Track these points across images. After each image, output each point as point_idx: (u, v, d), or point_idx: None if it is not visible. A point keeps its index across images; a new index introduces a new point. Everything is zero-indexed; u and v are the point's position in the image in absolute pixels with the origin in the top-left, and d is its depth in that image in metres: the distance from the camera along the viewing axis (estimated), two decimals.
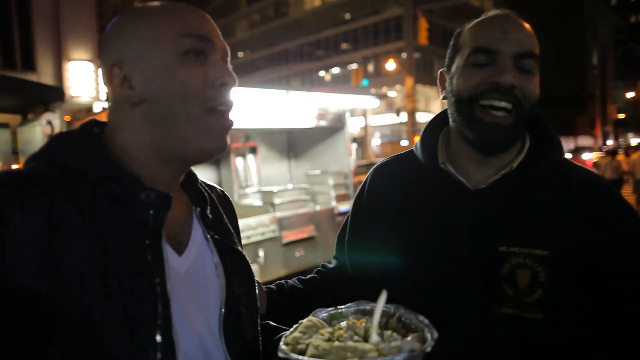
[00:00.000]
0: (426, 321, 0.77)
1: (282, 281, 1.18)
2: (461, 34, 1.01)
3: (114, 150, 0.76)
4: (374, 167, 1.23)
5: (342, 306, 0.88)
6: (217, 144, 0.77)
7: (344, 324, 0.82)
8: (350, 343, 0.72)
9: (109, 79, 0.76)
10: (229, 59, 0.81)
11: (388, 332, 0.76)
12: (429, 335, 0.73)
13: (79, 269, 0.64)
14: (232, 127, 0.80)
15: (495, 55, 0.94)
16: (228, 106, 0.78)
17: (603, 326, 0.96)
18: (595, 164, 15.48)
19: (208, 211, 0.86)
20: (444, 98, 1.07)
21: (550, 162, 1.00)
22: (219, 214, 0.91)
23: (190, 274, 0.79)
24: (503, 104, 0.93)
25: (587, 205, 0.96)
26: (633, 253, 0.94)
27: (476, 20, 1.01)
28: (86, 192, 0.69)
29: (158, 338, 0.68)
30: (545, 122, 1.04)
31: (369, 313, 0.83)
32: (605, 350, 0.98)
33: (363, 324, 0.79)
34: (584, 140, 45.10)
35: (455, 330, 0.93)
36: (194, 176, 0.89)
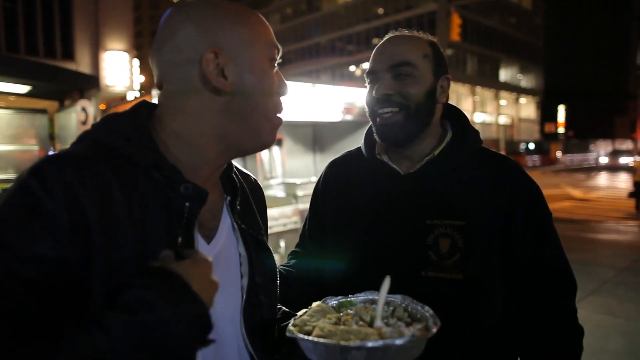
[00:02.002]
0: (431, 311, 0.81)
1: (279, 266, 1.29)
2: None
3: (162, 136, 0.79)
4: (328, 163, 1.41)
5: (352, 295, 0.93)
6: (272, 140, 0.86)
7: (351, 311, 0.85)
8: (354, 327, 0.75)
9: (200, 62, 0.77)
10: None
11: (393, 320, 0.79)
12: (432, 324, 0.76)
13: (123, 250, 0.67)
14: None
15: (375, 74, 1.17)
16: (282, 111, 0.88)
17: (512, 286, 1.15)
18: (631, 169, 14.85)
19: (238, 201, 0.89)
20: None
21: (467, 150, 1.19)
22: (248, 203, 0.93)
23: (216, 261, 0.81)
24: (385, 110, 1.14)
25: (498, 181, 1.15)
26: (532, 217, 1.14)
27: None
28: (132, 177, 0.72)
29: None
30: (465, 119, 1.25)
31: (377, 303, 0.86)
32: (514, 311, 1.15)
33: (370, 312, 0.82)
34: (623, 144, 43.32)
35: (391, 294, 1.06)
36: (231, 165, 0.93)
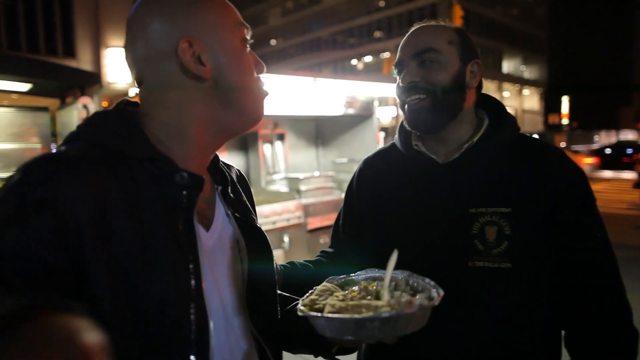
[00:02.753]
0: (432, 282, 0.84)
1: (294, 261, 1.30)
2: None
3: (151, 129, 0.79)
4: (362, 160, 1.39)
5: (353, 274, 0.96)
6: (262, 114, 0.88)
7: (356, 288, 0.88)
8: (363, 301, 0.77)
9: (176, 54, 0.77)
10: None
11: (398, 293, 0.82)
12: (435, 294, 0.79)
13: (123, 246, 0.67)
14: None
15: (401, 64, 1.18)
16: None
17: (563, 275, 1.11)
18: (636, 160, 14.79)
19: (229, 190, 0.91)
20: None
21: (506, 137, 1.17)
22: (239, 192, 0.95)
23: (217, 248, 0.84)
24: (413, 97, 1.15)
25: (541, 166, 1.13)
26: (578, 202, 1.11)
27: None
28: (126, 172, 0.72)
29: (192, 312, 0.72)
30: (501, 106, 1.24)
31: (379, 279, 0.90)
32: (566, 302, 1.13)
33: (374, 287, 0.86)
34: (628, 134, 43.06)
35: (441, 287, 1.05)
36: (217, 157, 0.93)
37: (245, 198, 0.97)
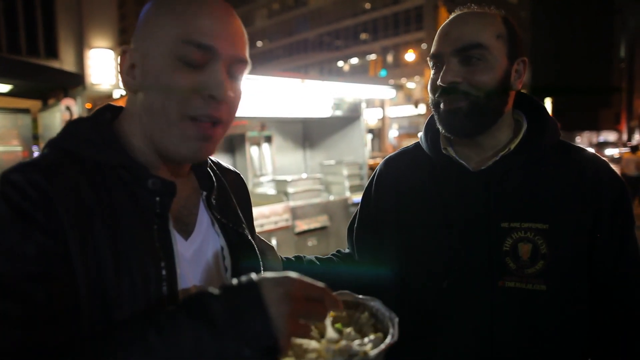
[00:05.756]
0: (395, 320, 0.72)
1: (301, 255, 1.23)
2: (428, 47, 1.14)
3: (124, 137, 0.79)
4: (382, 160, 1.29)
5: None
6: (192, 151, 0.76)
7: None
8: (297, 340, 0.68)
9: (120, 63, 0.78)
10: (242, 64, 0.78)
11: (348, 330, 0.73)
12: (389, 337, 0.68)
13: (97, 251, 0.68)
14: (217, 139, 0.78)
15: (439, 57, 1.03)
16: (212, 118, 0.75)
17: (600, 298, 1.01)
18: (616, 160, 15.11)
19: (213, 196, 0.88)
20: None
21: (546, 143, 1.05)
22: (227, 197, 0.92)
23: (197, 257, 0.82)
24: (451, 99, 1.01)
25: (584, 180, 1.01)
26: (620, 221, 1.01)
27: None
28: (99, 178, 0.73)
29: None
30: (543, 108, 1.10)
31: (350, 305, 0.80)
32: (602, 325, 1.02)
33: (331, 317, 0.76)
34: (608, 135, 43.95)
35: (464, 307, 1.00)
36: (205, 160, 0.90)
37: (235, 203, 0.94)
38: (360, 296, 0.78)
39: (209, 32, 0.72)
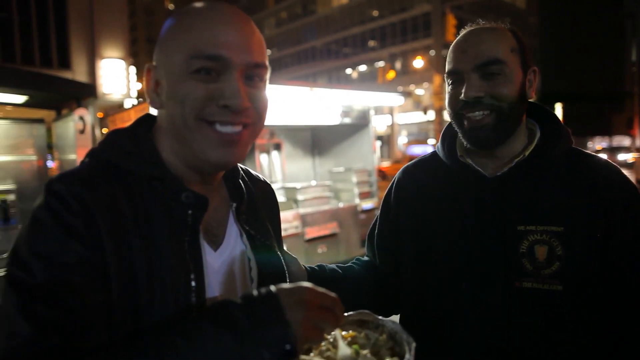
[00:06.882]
0: (413, 344, 0.72)
1: (323, 264, 1.25)
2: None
3: (159, 149, 0.81)
4: (401, 169, 1.34)
5: (346, 313, 0.84)
6: (219, 157, 0.76)
7: (335, 332, 0.78)
8: (315, 359, 0.71)
9: (145, 81, 0.80)
10: (260, 69, 0.77)
11: (365, 352, 0.74)
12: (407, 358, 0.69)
13: (131, 260, 0.70)
14: (245, 143, 0.78)
15: (460, 74, 1.07)
16: (233, 123, 0.76)
17: (614, 301, 1.03)
18: (631, 165, 14.92)
19: (243, 207, 0.90)
20: None
21: (559, 150, 1.09)
22: (256, 209, 0.94)
23: (225, 268, 0.84)
24: (476, 114, 1.05)
25: (597, 184, 1.05)
26: (633, 223, 1.03)
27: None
28: (136, 190, 0.75)
29: None
30: (554, 116, 1.15)
31: (369, 326, 0.80)
32: (616, 328, 1.04)
33: (349, 338, 0.77)
34: (621, 140, 43.41)
35: (481, 307, 1.04)
36: (236, 170, 0.93)
37: (264, 214, 0.96)
38: (380, 317, 0.79)
39: (217, 42, 0.73)
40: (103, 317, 0.66)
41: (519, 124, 1.10)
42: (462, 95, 1.05)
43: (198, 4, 0.77)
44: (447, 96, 1.13)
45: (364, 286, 1.20)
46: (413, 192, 1.24)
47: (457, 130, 1.13)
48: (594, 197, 1.04)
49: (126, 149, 0.78)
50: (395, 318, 0.96)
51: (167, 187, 0.77)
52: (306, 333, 0.63)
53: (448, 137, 1.21)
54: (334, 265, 1.25)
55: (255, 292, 0.66)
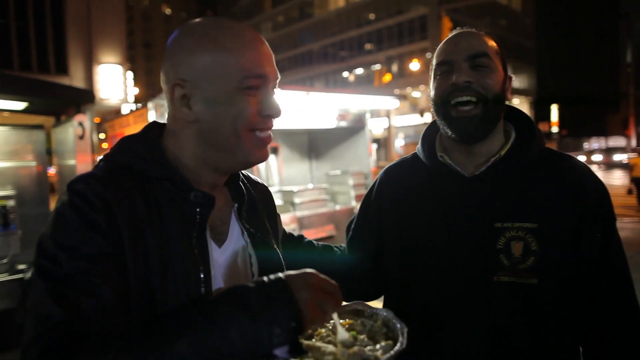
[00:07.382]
0: (405, 329, 0.81)
1: (303, 235, 1.35)
2: (433, 56, 1.23)
3: (169, 153, 0.88)
4: (383, 169, 1.40)
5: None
6: (260, 155, 0.89)
7: (334, 319, 0.84)
8: (317, 343, 0.79)
9: (170, 95, 0.86)
10: (278, 80, 0.91)
11: (362, 337, 0.82)
12: (398, 345, 0.77)
13: (146, 254, 0.77)
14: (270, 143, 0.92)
15: (452, 64, 1.14)
16: (267, 131, 0.90)
17: (583, 291, 1.10)
18: (627, 165, 15.01)
19: (244, 208, 0.98)
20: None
21: (533, 150, 1.16)
22: (256, 209, 1.02)
23: (228, 263, 0.92)
24: (465, 98, 1.11)
25: (567, 181, 1.12)
26: (602, 220, 1.11)
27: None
28: (149, 190, 0.82)
29: None
30: (529, 119, 1.23)
31: (365, 315, 0.88)
32: (589, 319, 1.11)
33: (346, 325, 0.85)
34: (616, 141, 43.60)
35: (463, 302, 1.10)
36: (237, 174, 1.01)
37: (263, 215, 1.04)
38: (375, 307, 0.87)
39: (261, 63, 0.85)
40: (124, 305, 0.73)
41: (499, 120, 1.17)
42: (453, 79, 1.12)
43: (228, 25, 0.86)
44: (433, 87, 1.18)
45: (332, 268, 1.24)
46: (394, 191, 1.30)
47: (442, 122, 1.17)
48: (566, 195, 1.10)
49: (138, 153, 0.86)
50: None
51: (177, 187, 0.84)
52: (311, 313, 0.71)
53: (428, 139, 1.28)
54: (315, 242, 1.35)
55: (265, 278, 0.73)
